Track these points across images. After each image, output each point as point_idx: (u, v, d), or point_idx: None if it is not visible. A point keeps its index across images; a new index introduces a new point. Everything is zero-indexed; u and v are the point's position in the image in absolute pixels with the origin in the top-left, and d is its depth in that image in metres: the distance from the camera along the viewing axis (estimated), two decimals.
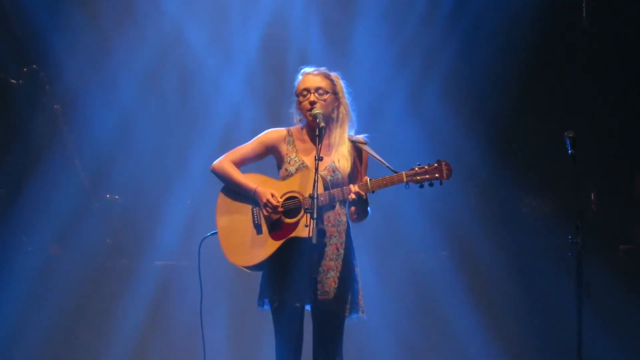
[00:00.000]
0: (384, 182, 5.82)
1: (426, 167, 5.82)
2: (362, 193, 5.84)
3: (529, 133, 10.03)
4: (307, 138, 6.12)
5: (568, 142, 6.32)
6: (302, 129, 6.17)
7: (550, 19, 9.99)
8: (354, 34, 10.18)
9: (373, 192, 5.84)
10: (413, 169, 5.82)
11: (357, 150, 6.13)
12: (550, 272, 9.22)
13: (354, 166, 6.09)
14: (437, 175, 5.80)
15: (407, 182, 5.82)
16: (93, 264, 9.68)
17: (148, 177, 10.03)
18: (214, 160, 6.16)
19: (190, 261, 9.71)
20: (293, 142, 6.13)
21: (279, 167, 6.16)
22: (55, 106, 10.01)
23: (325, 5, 10.23)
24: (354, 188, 5.84)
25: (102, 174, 10.04)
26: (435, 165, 5.82)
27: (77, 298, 9.45)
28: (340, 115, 6.11)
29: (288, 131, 6.17)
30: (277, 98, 9.84)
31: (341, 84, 6.16)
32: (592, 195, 9.75)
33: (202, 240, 6.28)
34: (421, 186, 5.83)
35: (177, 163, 10.00)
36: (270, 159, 6.25)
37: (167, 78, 10.22)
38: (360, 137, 6.14)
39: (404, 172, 5.81)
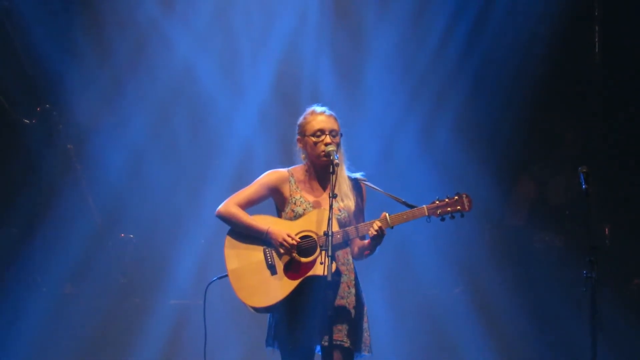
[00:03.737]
0: (405, 216, 5.81)
1: (446, 200, 5.82)
2: (384, 228, 5.82)
3: (542, 168, 10.03)
4: (310, 178, 6.09)
5: (582, 177, 6.35)
6: (306, 168, 6.13)
7: (562, 53, 10.01)
8: (366, 71, 10.21)
9: (392, 227, 5.82)
10: (434, 202, 5.81)
11: (357, 188, 6.09)
12: (563, 306, 9.20)
13: (356, 204, 6.05)
14: (458, 207, 5.81)
15: (428, 216, 5.81)
16: (107, 303, 9.67)
17: (161, 216, 10.04)
18: (226, 198, 6.12)
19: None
20: (295, 182, 6.08)
21: (280, 208, 6.09)
22: (69, 146, 10.04)
23: (336, 42, 10.26)
24: (377, 224, 5.81)
25: (115, 213, 10.06)
26: (456, 197, 5.83)
27: (91, 337, 9.43)
28: (339, 155, 6.05)
29: (289, 172, 6.13)
30: (289, 135, 9.80)
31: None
32: (606, 229, 9.73)
33: (208, 284, 6.24)
34: (442, 219, 5.82)
35: (190, 201, 10.01)
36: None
37: (179, 116, 10.27)
38: (358, 174, 6.11)
39: (425, 206, 5.80)
